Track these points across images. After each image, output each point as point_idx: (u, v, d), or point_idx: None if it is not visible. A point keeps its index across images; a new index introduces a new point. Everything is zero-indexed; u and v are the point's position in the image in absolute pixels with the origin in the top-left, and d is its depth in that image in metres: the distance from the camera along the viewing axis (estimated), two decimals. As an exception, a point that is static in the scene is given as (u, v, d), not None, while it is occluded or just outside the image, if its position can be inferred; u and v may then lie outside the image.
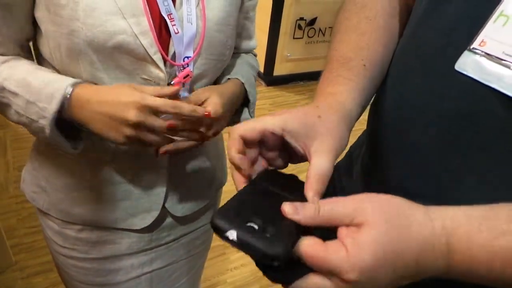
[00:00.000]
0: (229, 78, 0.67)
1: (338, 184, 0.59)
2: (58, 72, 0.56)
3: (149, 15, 0.53)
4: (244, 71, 0.70)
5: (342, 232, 0.30)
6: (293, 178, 0.39)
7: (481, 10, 0.34)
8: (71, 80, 0.52)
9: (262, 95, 3.12)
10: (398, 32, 0.50)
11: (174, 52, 0.56)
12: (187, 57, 0.58)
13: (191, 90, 0.61)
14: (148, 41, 0.53)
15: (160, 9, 0.54)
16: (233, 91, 0.64)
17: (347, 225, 0.30)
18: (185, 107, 0.52)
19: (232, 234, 0.30)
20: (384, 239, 0.29)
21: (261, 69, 3.24)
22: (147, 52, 0.54)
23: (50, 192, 0.66)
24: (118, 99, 0.50)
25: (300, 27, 3.15)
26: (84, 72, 0.54)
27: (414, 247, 0.29)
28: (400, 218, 0.30)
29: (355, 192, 0.52)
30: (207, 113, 0.54)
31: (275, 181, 0.37)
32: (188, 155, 0.68)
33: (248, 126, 0.36)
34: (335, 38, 0.49)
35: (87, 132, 0.55)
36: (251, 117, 0.72)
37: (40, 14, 0.52)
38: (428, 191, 0.39)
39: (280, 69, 3.28)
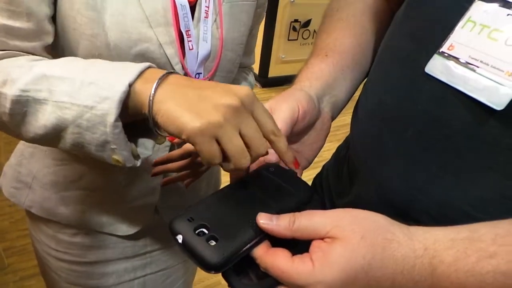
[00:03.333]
0: None
1: (325, 184, 0.60)
2: None
3: (175, 27, 0.53)
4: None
5: (314, 245, 0.30)
6: (290, 173, 0.39)
7: (452, 16, 0.35)
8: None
9: (258, 96, 3.13)
10: (373, 28, 0.52)
11: (184, 74, 0.57)
12: (198, 74, 0.58)
13: None
14: (172, 52, 0.54)
15: (180, 24, 0.54)
16: None
17: (322, 238, 0.29)
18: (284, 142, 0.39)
19: (180, 238, 0.31)
20: (357, 256, 0.28)
21: (256, 71, 3.25)
22: (169, 62, 0.54)
23: (35, 189, 0.65)
24: (226, 86, 0.38)
25: (294, 29, 3.16)
26: None
27: (391, 266, 0.28)
28: (378, 235, 0.29)
29: (343, 193, 0.53)
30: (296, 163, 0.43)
31: (265, 179, 0.37)
32: None
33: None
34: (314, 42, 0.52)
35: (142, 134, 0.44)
36: None
37: (63, 10, 0.49)
38: (408, 191, 0.40)
39: (275, 71, 3.29)
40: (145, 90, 0.37)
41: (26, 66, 0.42)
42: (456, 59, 0.33)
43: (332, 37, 0.51)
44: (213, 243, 0.30)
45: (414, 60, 0.37)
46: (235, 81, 0.72)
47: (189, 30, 0.55)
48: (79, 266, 0.70)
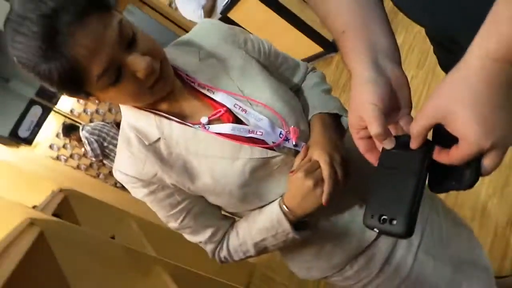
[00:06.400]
0: (310, 120, 0.73)
1: None
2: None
3: (248, 142, 0.67)
4: (314, 99, 0.76)
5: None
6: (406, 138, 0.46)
7: None
8: (275, 203, 0.68)
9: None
10: None
11: (272, 142, 0.67)
12: (280, 132, 0.67)
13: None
14: (263, 151, 0.66)
15: (246, 132, 0.66)
16: (322, 131, 0.69)
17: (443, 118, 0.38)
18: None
19: (376, 230, 0.45)
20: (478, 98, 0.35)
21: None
22: (271, 157, 0.66)
23: (316, 267, 0.79)
24: (297, 189, 0.64)
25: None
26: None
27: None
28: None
29: None
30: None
31: (394, 155, 0.46)
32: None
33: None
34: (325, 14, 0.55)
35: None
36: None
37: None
38: None
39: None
40: (288, 213, 0.67)
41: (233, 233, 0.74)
42: None
43: (334, 10, 0.53)
44: (394, 222, 0.42)
45: None
46: (308, 99, 0.77)
47: (252, 132, 0.66)
48: (377, 280, 0.77)
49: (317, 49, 3.10)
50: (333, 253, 0.75)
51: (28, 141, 3.86)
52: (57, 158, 4.08)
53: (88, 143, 3.06)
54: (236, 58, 0.71)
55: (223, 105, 0.67)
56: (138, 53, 0.57)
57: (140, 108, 0.67)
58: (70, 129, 3.53)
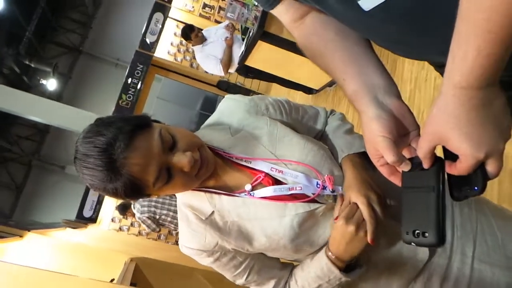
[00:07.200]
0: (340, 162, 0.78)
1: None
2: None
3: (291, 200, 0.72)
4: (339, 142, 0.81)
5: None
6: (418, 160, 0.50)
7: None
8: (322, 253, 0.71)
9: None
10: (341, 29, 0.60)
11: (312, 193, 0.72)
12: (317, 183, 0.73)
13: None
14: (300, 207, 0.71)
15: (287, 190, 0.72)
16: (354, 173, 0.73)
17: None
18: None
19: (413, 244, 0.50)
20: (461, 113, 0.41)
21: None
22: (314, 208, 0.72)
23: None
24: (341, 235, 0.67)
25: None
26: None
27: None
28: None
29: None
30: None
31: (414, 175, 0.51)
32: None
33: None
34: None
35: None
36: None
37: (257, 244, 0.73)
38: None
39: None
40: (336, 260, 0.70)
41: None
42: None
43: (331, 64, 0.60)
44: (426, 234, 0.48)
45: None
46: (334, 145, 0.82)
47: (292, 188, 0.71)
48: None
49: (335, 73, 3.18)
50: (390, 281, 0.77)
51: (93, 219, 4.18)
52: (120, 229, 4.36)
53: (142, 221, 3.26)
54: (262, 125, 0.78)
55: (261, 171, 0.73)
56: (180, 151, 0.67)
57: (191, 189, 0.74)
58: (124, 208, 3.79)
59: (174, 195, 0.80)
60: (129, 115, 0.69)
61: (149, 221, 3.23)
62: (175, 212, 3.30)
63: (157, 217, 3.26)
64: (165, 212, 3.25)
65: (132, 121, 0.65)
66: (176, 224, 3.29)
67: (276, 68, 3.59)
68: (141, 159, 0.63)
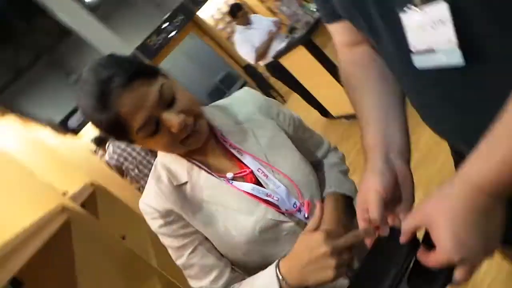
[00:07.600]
0: (324, 197, 0.77)
1: None
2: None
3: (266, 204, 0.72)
4: (331, 178, 0.81)
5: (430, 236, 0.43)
6: (395, 231, 0.50)
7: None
8: (272, 267, 0.66)
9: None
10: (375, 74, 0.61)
11: (285, 209, 0.72)
12: (295, 203, 0.73)
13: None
14: (276, 214, 0.71)
15: (264, 194, 0.73)
16: (332, 210, 0.73)
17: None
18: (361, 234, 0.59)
19: None
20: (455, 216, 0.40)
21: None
22: (280, 221, 0.72)
23: None
24: (309, 251, 0.61)
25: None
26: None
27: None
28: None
29: None
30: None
31: (386, 243, 0.51)
32: None
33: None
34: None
35: None
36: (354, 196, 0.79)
37: (202, 229, 0.72)
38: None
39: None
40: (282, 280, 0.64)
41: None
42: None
43: (362, 101, 0.61)
44: None
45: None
46: (326, 178, 0.81)
47: (271, 195, 0.72)
48: None
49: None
50: None
51: (75, 131, 4.17)
52: (95, 152, 4.35)
53: (107, 164, 3.29)
54: (267, 127, 0.79)
55: (249, 167, 0.74)
56: (174, 111, 0.66)
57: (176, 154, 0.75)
58: (99, 142, 3.79)
59: (151, 162, 0.77)
60: (141, 61, 0.71)
61: (114, 168, 3.26)
62: (141, 171, 3.31)
63: (123, 168, 3.29)
64: (131, 167, 3.25)
65: (140, 66, 0.67)
66: (137, 182, 3.34)
67: (305, 77, 3.61)
68: (132, 102, 0.64)
